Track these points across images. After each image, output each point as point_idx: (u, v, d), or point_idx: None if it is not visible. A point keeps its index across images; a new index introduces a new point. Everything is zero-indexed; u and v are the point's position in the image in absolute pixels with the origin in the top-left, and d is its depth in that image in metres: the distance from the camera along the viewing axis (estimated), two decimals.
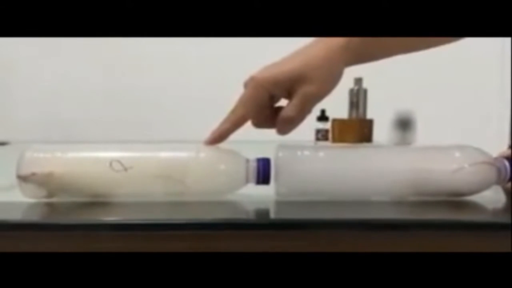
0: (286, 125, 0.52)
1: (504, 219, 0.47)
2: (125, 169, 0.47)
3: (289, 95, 0.52)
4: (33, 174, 0.47)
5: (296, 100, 0.51)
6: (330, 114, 1.46)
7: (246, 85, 0.52)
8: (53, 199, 0.49)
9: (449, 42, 0.60)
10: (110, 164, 0.47)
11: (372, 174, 0.51)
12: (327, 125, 1.49)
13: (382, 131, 1.47)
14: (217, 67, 1.83)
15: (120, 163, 0.47)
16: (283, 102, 0.54)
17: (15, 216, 0.46)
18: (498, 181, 0.52)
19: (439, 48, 0.61)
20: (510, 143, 1.01)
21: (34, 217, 0.48)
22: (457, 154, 0.52)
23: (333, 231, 0.44)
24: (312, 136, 1.51)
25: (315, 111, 1.47)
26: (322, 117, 1.50)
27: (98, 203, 0.49)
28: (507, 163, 0.52)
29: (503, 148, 0.56)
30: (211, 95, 1.71)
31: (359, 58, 0.54)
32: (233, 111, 0.51)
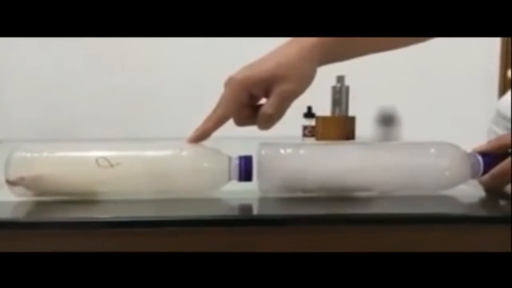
0: (265, 122, 0.54)
1: (483, 212, 0.50)
2: (111, 166, 0.48)
3: (267, 94, 0.54)
4: (22, 178, 0.47)
5: (273, 98, 0.53)
6: (317, 111, 1.48)
7: (226, 85, 0.54)
8: (41, 198, 0.50)
9: (423, 41, 0.62)
10: (96, 161, 0.48)
11: (353, 170, 0.52)
12: (313, 122, 1.51)
13: (365, 128, 1.49)
14: (199, 67, 1.83)
15: (106, 159, 0.48)
16: (263, 101, 0.55)
17: (4, 214, 0.47)
18: (473, 175, 0.54)
19: (421, 44, 0.62)
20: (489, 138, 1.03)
21: (24, 215, 0.48)
22: (432, 150, 0.54)
23: (316, 227, 0.45)
24: (299, 132, 1.52)
25: (302, 108, 1.48)
26: (309, 114, 1.52)
27: (85, 201, 0.50)
28: (480, 158, 0.54)
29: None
30: (195, 94, 1.72)
31: (332, 56, 0.56)
32: (214, 110, 0.53)
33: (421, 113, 1.75)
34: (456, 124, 1.66)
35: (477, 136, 0.80)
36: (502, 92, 1.86)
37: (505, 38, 1.80)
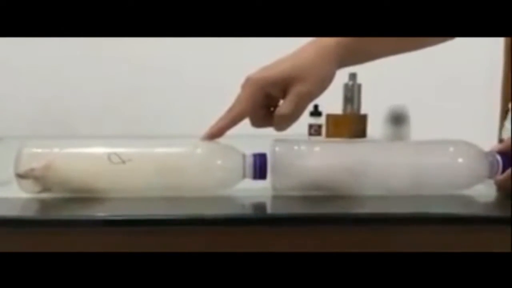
0: (282, 122, 0.53)
1: (498, 212, 0.49)
2: (123, 162, 0.47)
3: (284, 95, 0.53)
4: (32, 169, 0.47)
5: (290, 98, 0.52)
6: (324, 109, 1.47)
7: (243, 85, 0.53)
8: (50, 195, 0.49)
9: (443, 41, 0.61)
10: (108, 156, 0.48)
11: (368, 169, 0.51)
12: (320, 120, 1.49)
13: (375, 126, 1.48)
14: (215, 66, 1.83)
15: (118, 156, 0.47)
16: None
17: (12, 212, 0.46)
18: (490, 175, 0.53)
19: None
20: (499, 138, 1.02)
21: (32, 213, 0.48)
22: (451, 149, 0.53)
23: (330, 226, 0.44)
24: (304, 131, 1.51)
25: (309, 107, 1.47)
26: (315, 112, 1.50)
27: (94, 199, 0.49)
28: (498, 157, 0.53)
29: (493, 143, 0.57)
30: (209, 93, 1.71)
31: (351, 58, 0.56)
32: (230, 109, 0.53)
33: (431, 111, 1.75)
34: (465, 123, 1.65)
35: (486, 135, 0.79)
36: (505, 93, 1.87)
37: (508, 38, 1.80)
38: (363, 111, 1.43)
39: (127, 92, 1.90)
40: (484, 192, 0.54)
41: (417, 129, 1.71)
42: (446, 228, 0.45)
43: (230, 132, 0.53)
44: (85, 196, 0.49)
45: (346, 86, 1.41)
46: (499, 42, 1.85)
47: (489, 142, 0.57)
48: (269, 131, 0.56)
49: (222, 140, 0.52)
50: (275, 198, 0.51)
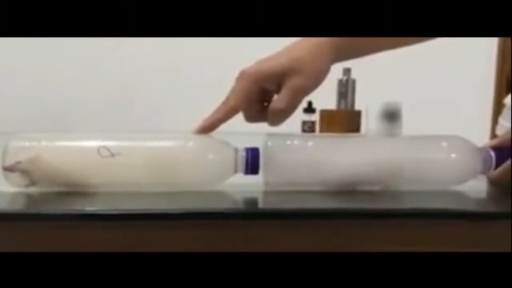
0: (276, 117, 0.53)
1: (494, 208, 0.49)
2: (113, 155, 0.47)
3: (278, 89, 0.53)
4: (18, 162, 0.46)
5: (285, 92, 0.52)
6: (317, 106, 1.47)
7: (237, 79, 0.53)
8: (37, 189, 0.48)
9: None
10: (98, 150, 0.47)
11: (361, 164, 0.51)
12: (313, 117, 1.49)
13: (370, 123, 1.48)
14: (214, 63, 1.82)
15: (107, 149, 0.47)
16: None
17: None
18: (484, 170, 0.53)
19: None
20: (493, 134, 1.03)
21: (18, 207, 0.47)
22: (444, 144, 0.53)
23: (322, 221, 0.44)
24: (298, 128, 1.51)
25: (302, 103, 1.47)
26: (309, 109, 1.50)
27: (83, 193, 0.48)
28: (492, 153, 0.53)
29: (486, 139, 0.57)
30: (209, 91, 1.71)
31: (346, 53, 0.56)
32: (224, 103, 0.52)
33: (422, 109, 1.75)
34: (458, 119, 1.66)
35: (479, 131, 0.79)
36: (498, 89, 1.88)
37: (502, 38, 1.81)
38: (356, 107, 1.43)
39: (127, 91, 1.90)
40: (477, 187, 0.54)
41: (410, 126, 1.71)
42: (441, 223, 0.45)
43: (224, 128, 0.52)
44: (73, 190, 0.48)
45: (340, 82, 1.40)
46: (492, 39, 1.85)
47: (482, 139, 0.57)
48: (263, 128, 0.55)
49: (215, 136, 0.52)
50: (267, 193, 0.51)
